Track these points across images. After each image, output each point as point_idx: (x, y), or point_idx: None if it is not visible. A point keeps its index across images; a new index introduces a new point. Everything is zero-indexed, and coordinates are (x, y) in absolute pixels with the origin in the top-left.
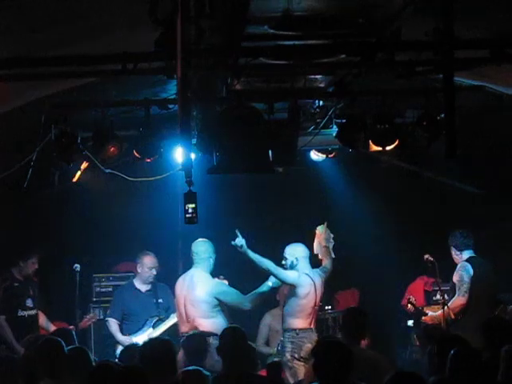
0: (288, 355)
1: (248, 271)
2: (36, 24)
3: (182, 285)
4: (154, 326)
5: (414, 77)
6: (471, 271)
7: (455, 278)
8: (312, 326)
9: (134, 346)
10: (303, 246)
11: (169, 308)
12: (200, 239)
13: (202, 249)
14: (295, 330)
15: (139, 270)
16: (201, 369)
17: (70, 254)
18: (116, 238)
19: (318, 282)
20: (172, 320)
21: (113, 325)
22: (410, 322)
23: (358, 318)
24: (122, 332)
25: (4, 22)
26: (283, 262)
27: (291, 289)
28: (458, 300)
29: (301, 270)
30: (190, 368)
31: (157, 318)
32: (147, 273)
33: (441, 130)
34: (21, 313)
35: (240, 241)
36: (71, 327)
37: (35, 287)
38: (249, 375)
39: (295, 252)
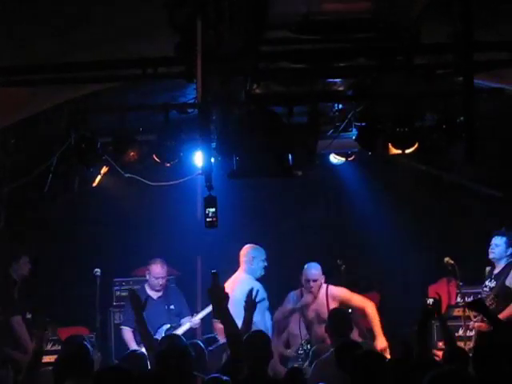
0: None
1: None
2: (56, 30)
3: (226, 287)
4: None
5: (433, 80)
6: None
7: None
8: None
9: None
10: None
11: (180, 313)
12: (247, 245)
13: (243, 253)
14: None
15: (148, 278)
16: (219, 375)
17: (89, 258)
18: (136, 241)
19: None
20: (184, 327)
21: (126, 333)
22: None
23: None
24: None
25: (25, 28)
26: None
27: None
28: None
29: None
30: (211, 376)
31: (168, 326)
32: (154, 281)
33: (460, 132)
34: (28, 315)
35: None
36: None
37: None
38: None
39: None
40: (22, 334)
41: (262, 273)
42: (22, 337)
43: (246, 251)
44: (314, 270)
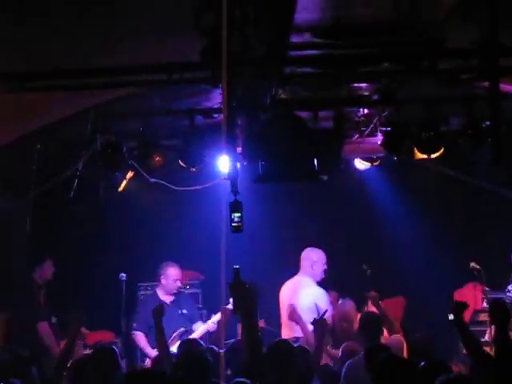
0: None
1: None
2: (82, 34)
3: (285, 291)
4: (181, 338)
5: (458, 84)
6: None
7: None
8: None
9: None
10: None
11: (192, 318)
12: (308, 248)
13: (304, 256)
14: None
15: (163, 282)
16: (244, 380)
17: (115, 263)
18: (161, 246)
19: None
20: (199, 331)
21: (140, 338)
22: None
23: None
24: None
25: (51, 33)
26: None
27: None
28: None
29: None
30: (236, 381)
31: (183, 330)
32: (171, 284)
33: (486, 137)
34: (53, 319)
35: None
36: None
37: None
38: None
39: None
40: (48, 339)
41: (323, 276)
42: (48, 342)
43: (307, 255)
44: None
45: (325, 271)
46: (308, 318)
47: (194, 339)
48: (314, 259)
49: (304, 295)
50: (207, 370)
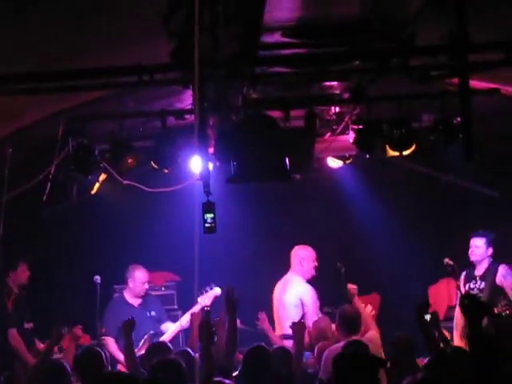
0: None
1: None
2: (52, 37)
3: (276, 289)
4: (151, 341)
5: (429, 81)
6: None
7: (507, 283)
8: None
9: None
10: None
11: (160, 319)
12: (297, 246)
13: (293, 254)
14: None
15: (130, 285)
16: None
17: (89, 265)
18: (136, 248)
19: None
20: (169, 331)
21: (111, 343)
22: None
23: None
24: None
25: (20, 35)
26: None
27: None
28: None
29: None
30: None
31: (153, 332)
32: (139, 287)
33: (457, 133)
34: (26, 325)
35: None
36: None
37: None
38: None
39: None
40: (18, 346)
41: (313, 273)
42: (18, 350)
43: (296, 253)
44: None
45: (315, 268)
46: (294, 315)
47: (163, 344)
48: (302, 256)
49: (290, 292)
50: (181, 375)
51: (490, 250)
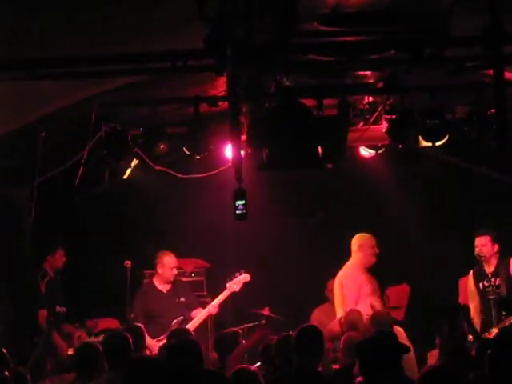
0: None
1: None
2: (86, 23)
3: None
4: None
5: (463, 73)
6: None
7: None
8: None
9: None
10: None
11: (190, 305)
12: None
13: (352, 242)
14: None
15: (159, 271)
16: (246, 366)
17: (120, 250)
18: (166, 234)
19: None
20: (198, 318)
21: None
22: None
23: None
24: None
25: (55, 22)
26: None
27: None
28: None
29: None
30: (239, 367)
31: (182, 318)
32: (168, 273)
33: (491, 125)
34: (58, 309)
35: None
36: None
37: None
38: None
39: None
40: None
41: (374, 260)
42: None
43: (353, 240)
44: None
45: (375, 255)
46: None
47: (185, 330)
48: (359, 243)
49: (337, 275)
50: (198, 360)
51: (496, 247)
